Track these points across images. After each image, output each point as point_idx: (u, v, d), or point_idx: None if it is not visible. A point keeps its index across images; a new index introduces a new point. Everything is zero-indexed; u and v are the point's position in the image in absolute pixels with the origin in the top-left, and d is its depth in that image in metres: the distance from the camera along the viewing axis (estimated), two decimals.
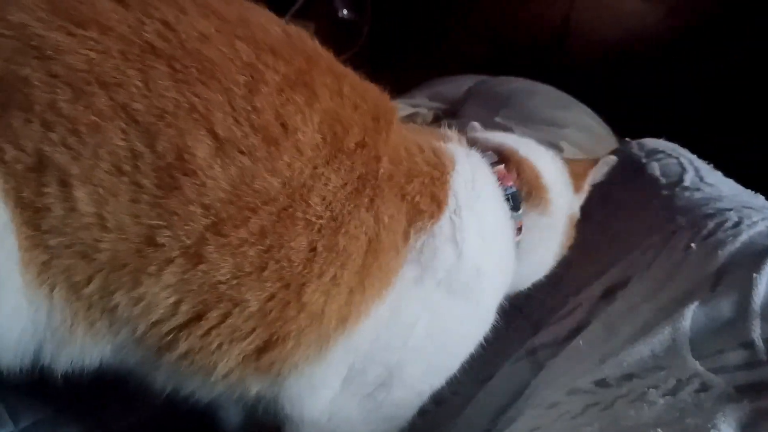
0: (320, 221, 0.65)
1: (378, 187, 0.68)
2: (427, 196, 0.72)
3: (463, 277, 0.74)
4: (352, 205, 0.66)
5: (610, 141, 1.59)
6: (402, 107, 0.93)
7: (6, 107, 0.57)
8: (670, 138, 1.11)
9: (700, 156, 1.04)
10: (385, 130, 0.70)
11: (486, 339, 0.84)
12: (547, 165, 0.87)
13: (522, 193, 0.82)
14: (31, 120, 0.57)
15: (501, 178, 0.80)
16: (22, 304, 0.60)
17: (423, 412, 0.90)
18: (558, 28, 1.97)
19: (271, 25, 0.67)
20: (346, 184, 0.66)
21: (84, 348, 0.64)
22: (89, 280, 0.61)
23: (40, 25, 0.57)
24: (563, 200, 0.88)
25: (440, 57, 1.96)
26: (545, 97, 1.63)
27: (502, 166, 0.82)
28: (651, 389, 0.61)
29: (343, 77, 0.69)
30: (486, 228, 0.77)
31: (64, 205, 0.58)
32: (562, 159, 0.94)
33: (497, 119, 1.47)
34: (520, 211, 0.81)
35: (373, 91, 0.74)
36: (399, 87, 1.16)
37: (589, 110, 1.65)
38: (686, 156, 1.06)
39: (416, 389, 0.77)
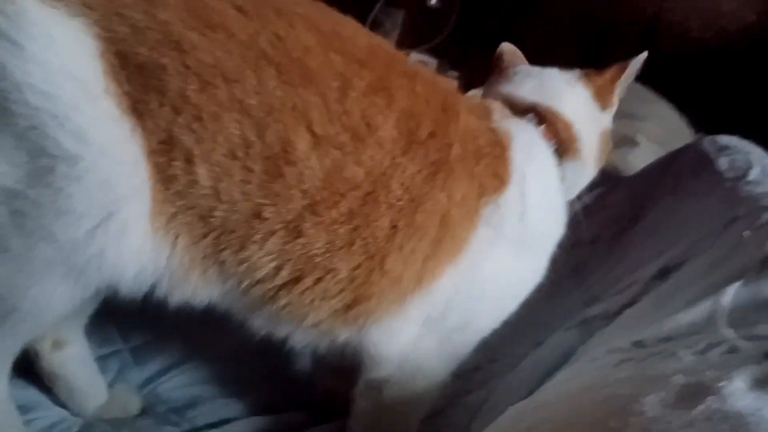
0: (400, 203, 0.75)
1: (451, 169, 0.78)
2: (490, 175, 0.81)
3: (529, 234, 0.84)
4: (428, 187, 0.77)
5: (688, 137, 1.60)
6: (487, 94, 1.01)
7: (147, 89, 0.68)
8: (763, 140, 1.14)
9: None
10: (454, 119, 0.80)
11: (542, 305, 0.92)
12: (575, 110, 0.93)
13: (561, 146, 0.90)
14: (164, 103, 0.68)
15: (545, 137, 0.89)
16: (147, 245, 0.72)
17: (477, 368, 0.99)
18: (648, 24, 1.96)
19: (359, 36, 0.77)
20: (421, 170, 0.76)
21: (196, 290, 0.77)
22: (204, 236, 0.73)
23: (181, 23, 0.67)
24: (592, 135, 0.95)
25: (527, 47, 1.99)
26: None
27: (543, 126, 0.89)
28: (682, 349, 0.67)
29: (416, 76, 0.79)
30: (543, 189, 0.86)
31: (188, 178, 0.70)
32: (584, 81, 0.97)
33: None
34: (562, 164, 0.90)
35: (442, 83, 0.84)
36: (483, 77, 1.22)
37: (669, 105, 1.66)
38: (756, 153, 1.09)
39: (485, 330, 0.88)
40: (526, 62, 1.05)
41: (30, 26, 0.64)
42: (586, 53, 1.94)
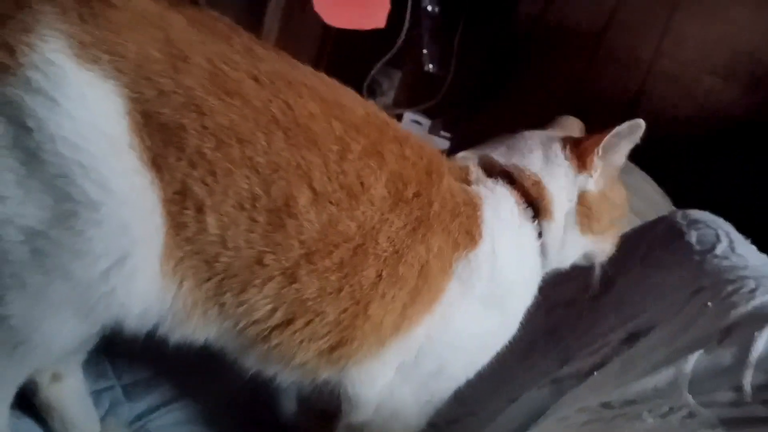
0: (385, 254, 0.83)
1: (430, 225, 0.86)
2: (463, 232, 0.88)
3: (496, 292, 0.90)
4: (410, 241, 0.84)
5: (666, 209, 1.67)
6: (472, 157, 1.05)
7: (167, 145, 0.74)
8: (739, 218, 1.20)
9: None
10: (437, 181, 0.88)
11: (518, 363, 0.97)
12: (545, 170, 0.96)
13: (532, 205, 0.94)
14: (181, 158, 0.75)
15: (517, 197, 0.93)
16: (155, 286, 0.77)
17: (455, 420, 1.04)
18: (631, 97, 2.04)
19: (356, 105, 0.85)
20: (405, 225, 0.84)
21: (196, 329, 0.82)
22: (208, 279, 0.79)
23: (203, 89, 0.74)
24: (564, 195, 0.97)
25: (514, 115, 2.07)
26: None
27: (513, 187, 0.94)
28: (645, 412, 0.72)
29: (405, 141, 0.87)
30: (511, 248, 0.92)
31: (198, 226, 0.76)
32: (560, 143, 0.98)
33: None
34: (536, 222, 0.94)
35: (428, 149, 0.91)
36: (473, 138, 1.29)
37: (649, 178, 1.74)
38: (724, 228, 1.17)
39: (458, 379, 0.94)
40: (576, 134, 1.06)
41: (67, 86, 0.70)
42: None
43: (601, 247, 1.02)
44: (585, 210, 0.97)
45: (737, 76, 1.93)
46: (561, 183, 0.96)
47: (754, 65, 1.91)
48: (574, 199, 0.97)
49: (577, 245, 0.99)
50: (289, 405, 1.15)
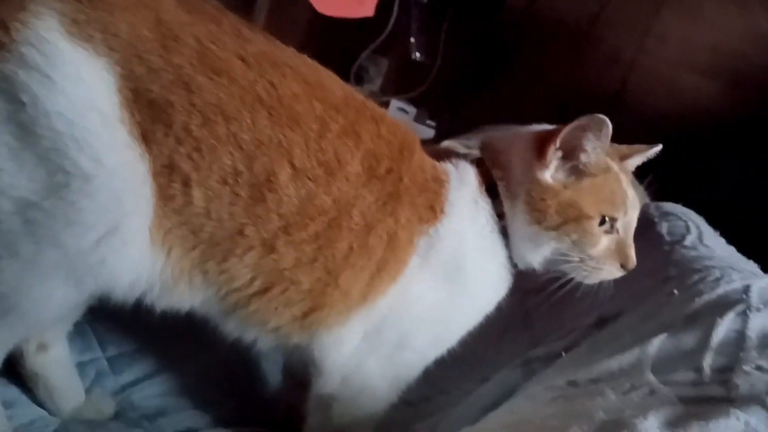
0: (357, 227, 0.87)
1: (399, 198, 0.90)
2: (427, 207, 0.92)
3: (454, 266, 0.94)
4: (381, 214, 0.88)
5: (642, 202, 1.72)
6: (456, 146, 1.06)
7: (155, 121, 0.77)
8: (717, 212, 1.25)
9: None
10: (408, 158, 0.92)
11: (492, 345, 1.01)
12: (504, 153, 0.96)
13: (496, 184, 0.95)
14: (168, 134, 0.78)
15: (478, 174, 0.96)
16: (144, 256, 0.81)
17: (428, 398, 1.08)
18: (613, 93, 2.07)
19: (336, 87, 0.89)
20: (377, 200, 0.88)
21: (181, 296, 0.86)
22: (193, 248, 0.83)
23: (191, 68, 0.77)
24: (515, 180, 0.95)
25: (499, 105, 2.10)
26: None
27: (476, 166, 0.96)
28: (609, 389, 0.76)
29: (381, 121, 0.91)
30: (470, 224, 0.95)
31: (184, 198, 0.80)
32: (530, 131, 0.98)
33: None
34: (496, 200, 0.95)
35: (402, 128, 0.95)
36: (457, 128, 1.31)
37: None
38: (694, 221, 1.22)
39: (423, 354, 0.97)
40: None
41: (61, 62, 0.72)
42: (557, 116, 2.05)
43: (563, 249, 0.96)
44: (531, 200, 0.94)
45: (718, 74, 1.96)
46: (515, 166, 0.95)
47: (735, 64, 1.94)
48: (525, 185, 0.94)
49: (524, 235, 0.95)
50: (274, 378, 1.18)
